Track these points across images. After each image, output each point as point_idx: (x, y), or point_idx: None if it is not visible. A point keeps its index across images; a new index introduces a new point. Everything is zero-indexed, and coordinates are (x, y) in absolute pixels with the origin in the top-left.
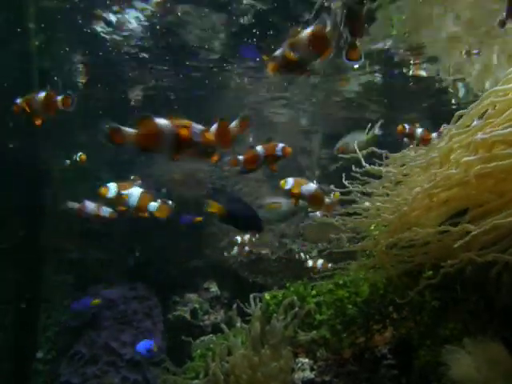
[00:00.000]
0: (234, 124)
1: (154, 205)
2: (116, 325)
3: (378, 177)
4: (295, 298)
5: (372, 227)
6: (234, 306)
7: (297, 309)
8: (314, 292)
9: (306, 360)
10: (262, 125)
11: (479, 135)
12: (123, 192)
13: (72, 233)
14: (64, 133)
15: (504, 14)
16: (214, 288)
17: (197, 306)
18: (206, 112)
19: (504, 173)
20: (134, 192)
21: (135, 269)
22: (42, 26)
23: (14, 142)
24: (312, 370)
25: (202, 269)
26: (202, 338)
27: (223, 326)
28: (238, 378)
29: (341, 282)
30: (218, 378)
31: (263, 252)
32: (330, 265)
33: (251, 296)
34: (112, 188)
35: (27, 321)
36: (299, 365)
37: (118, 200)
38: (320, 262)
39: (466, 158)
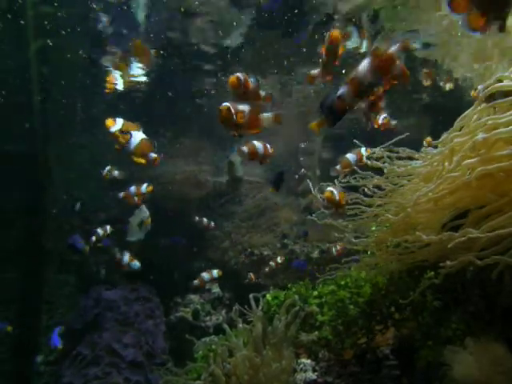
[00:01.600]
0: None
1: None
2: (118, 326)
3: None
4: (297, 298)
5: (373, 228)
6: (235, 306)
7: (297, 308)
8: (315, 293)
9: (308, 361)
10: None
11: (480, 135)
12: (127, 132)
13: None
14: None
15: None
16: (215, 289)
17: (198, 306)
18: None
19: (505, 173)
20: (137, 136)
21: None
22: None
23: (15, 144)
24: (314, 370)
25: (203, 270)
26: (204, 339)
27: (225, 326)
28: (240, 378)
29: (342, 282)
30: (219, 379)
31: (265, 253)
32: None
33: (251, 296)
34: (119, 123)
35: (29, 322)
36: (301, 366)
37: (119, 137)
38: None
39: (467, 161)
